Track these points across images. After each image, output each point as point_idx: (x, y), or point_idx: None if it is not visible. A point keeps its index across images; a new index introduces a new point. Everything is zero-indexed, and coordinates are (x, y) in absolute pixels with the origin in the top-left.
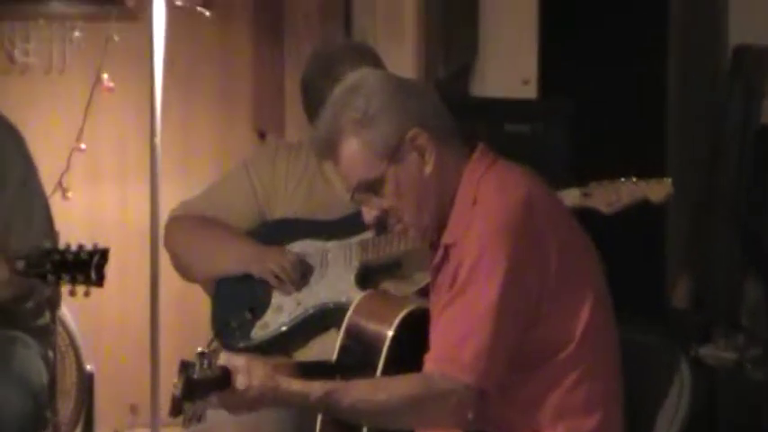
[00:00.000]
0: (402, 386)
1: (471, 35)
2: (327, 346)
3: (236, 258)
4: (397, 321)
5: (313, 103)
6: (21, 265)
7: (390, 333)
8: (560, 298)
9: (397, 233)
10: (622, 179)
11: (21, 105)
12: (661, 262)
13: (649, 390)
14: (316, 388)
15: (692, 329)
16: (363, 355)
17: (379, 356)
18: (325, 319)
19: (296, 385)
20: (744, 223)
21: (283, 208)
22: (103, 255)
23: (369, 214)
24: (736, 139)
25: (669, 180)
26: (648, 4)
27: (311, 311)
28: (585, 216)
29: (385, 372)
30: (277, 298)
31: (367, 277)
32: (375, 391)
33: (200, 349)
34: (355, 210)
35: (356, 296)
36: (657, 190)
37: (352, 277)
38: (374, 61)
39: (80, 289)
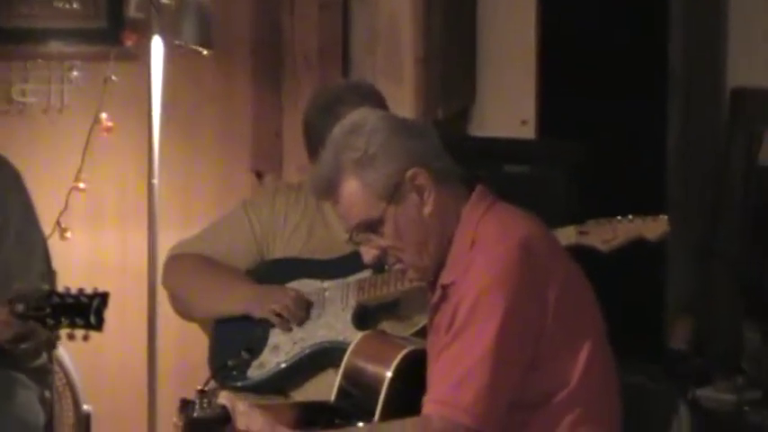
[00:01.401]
0: (401, 429)
1: (470, 76)
2: (325, 386)
3: (236, 300)
4: (395, 362)
5: (315, 141)
6: (20, 308)
7: (389, 374)
8: (558, 340)
9: (394, 272)
10: (619, 217)
11: (19, 145)
12: (661, 303)
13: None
14: None
15: (691, 372)
16: (362, 397)
17: (378, 398)
18: (322, 358)
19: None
20: (744, 268)
21: (282, 248)
22: (103, 299)
23: (368, 254)
24: (737, 183)
25: (665, 217)
26: (648, 45)
27: (308, 351)
28: (586, 257)
29: (384, 413)
30: (274, 338)
31: (364, 317)
32: None
33: (200, 388)
34: (353, 249)
35: (353, 335)
36: (653, 227)
37: (349, 317)
38: (377, 99)
39: (79, 332)
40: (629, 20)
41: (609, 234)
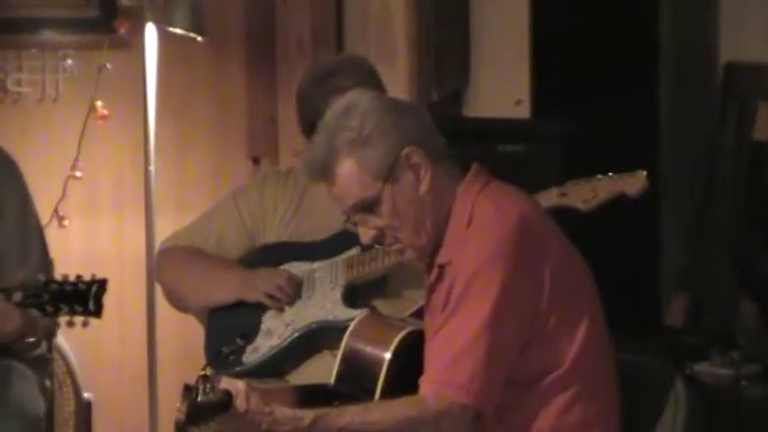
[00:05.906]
0: (396, 409)
1: (464, 57)
2: (320, 367)
3: (227, 287)
4: (394, 344)
5: (309, 114)
6: (18, 296)
7: (388, 356)
8: (554, 318)
9: (382, 248)
10: (599, 176)
11: (14, 135)
12: (656, 280)
13: (645, 408)
14: (308, 413)
15: (687, 347)
16: (361, 379)
17: (378, 379)
18: (314, 339)
19: (289, 411)
20: (738, 243)
21: (273, 236)
22: (102, 285)
23: (366, 235)
24: (730, 159)
25: (644, 173)
26: (640, 22)
27: (300, 332)
28: (581, 233)
29: (383, 394)
30: (267, 322)
31: (354, 294)
32: (368, 413)
33: (202, 373)
34: (341, 229)
35: (343, 314)
36: (632, 183)
37: (339, 295)
38: (370, 72)
39: (78, 319)
40: None
41: (589, 194)
